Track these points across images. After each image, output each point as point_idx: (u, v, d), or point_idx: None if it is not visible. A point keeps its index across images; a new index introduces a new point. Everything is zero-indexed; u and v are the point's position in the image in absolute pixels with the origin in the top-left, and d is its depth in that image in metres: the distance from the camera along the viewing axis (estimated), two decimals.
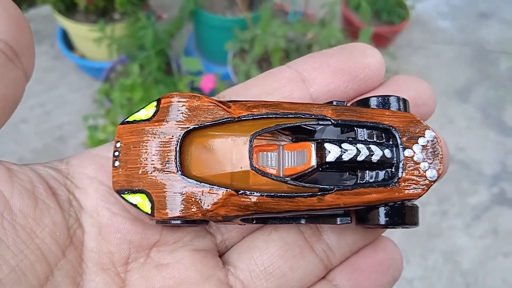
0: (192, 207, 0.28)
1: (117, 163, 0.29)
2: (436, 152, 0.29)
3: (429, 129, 0.29)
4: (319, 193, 0.27)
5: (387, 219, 0.28)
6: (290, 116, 0.29)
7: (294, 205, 0.27)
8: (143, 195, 0.28)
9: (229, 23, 1.30)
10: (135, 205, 0.28)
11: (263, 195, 0.27)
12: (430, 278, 1.18)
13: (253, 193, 0.27)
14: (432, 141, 0.29)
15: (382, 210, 0.28)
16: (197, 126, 0.29)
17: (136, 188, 0.28)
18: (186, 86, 1.04)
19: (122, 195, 0.29)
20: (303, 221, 0.31)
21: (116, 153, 0.29)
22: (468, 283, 1.18)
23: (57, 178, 0.29)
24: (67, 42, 1.50)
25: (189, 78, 1.02)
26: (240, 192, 0.28)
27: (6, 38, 0.26)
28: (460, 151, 1.44)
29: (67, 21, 1.33)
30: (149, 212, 0.28)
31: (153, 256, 0.31)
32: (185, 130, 0.29)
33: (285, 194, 0.27)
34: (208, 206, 0.27)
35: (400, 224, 0.29)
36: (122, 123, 0.30)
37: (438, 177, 0.28)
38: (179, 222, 0.29)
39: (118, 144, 0.30)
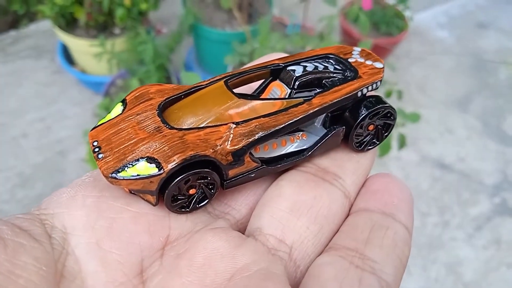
0: (199, 146, 0.28)
1: (101, 155, 0.28)
2: (370, 55, 0.35)
3: (355, 47, 0.36)
4: (306, 100, 0.31)
5: (365, 108, 0.33)
6: (249, 71, 0.33)
7: (291, 115, 0.30)
8: (143, 162, 0.27)
9: (228, 37, 1.32)
10: (137, 177, 0.27)
11: (260, 117, 0.30)
12: None
13: (251, 119, 0.30)
14: (361, 51, 0.35)
15: (361, 104, 0.33)
16: (171, 97, 0.31)
17: (133, 160, 0.27)
18: None
19: (119, 174, 0.27)
20: (306, 153, 0.32)
21: (97, 149, 0.28)
22: None
23: (26, 217, 0.27)
24: (68, 56, 1.52)
25: None
26: (239, 122, 0.29)
27: None
28: (460, 161, 1.45)
29: (68, 36, 1.35)
30: (157, 171, 0.26)
31: (169, 253, 0.28)
32: (162, 101, 0.30)
33: (280, 110, 0.31)
34: (214, 141, 0.28)
35: (377, 106, 0.33)
36: (92, 129, 0.30)
37: (383, 66, 0.34)
38: (183, 176, 0.27)
39: (96, 143, 0.29)
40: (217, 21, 1.38)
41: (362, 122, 0.33)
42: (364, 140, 0.34)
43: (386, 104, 0.33)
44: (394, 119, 0.34)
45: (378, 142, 0.34)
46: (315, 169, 0.33)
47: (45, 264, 0.25)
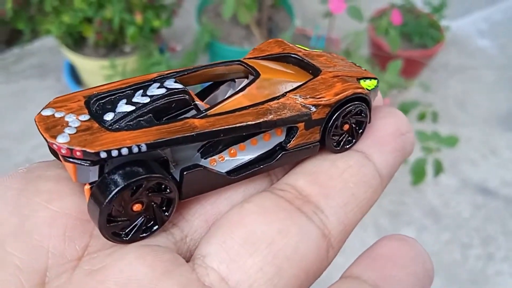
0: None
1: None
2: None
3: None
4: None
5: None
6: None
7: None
8: None
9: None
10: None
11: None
12: None
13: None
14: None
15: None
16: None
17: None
18: None
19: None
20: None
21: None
22: None
23: None
24: (74, 75, 1.60)
25: None
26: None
27: None
28: (505, 185, 1.47)
29: (76, 55, 1.43)
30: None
31: (83, 267, 0.26)
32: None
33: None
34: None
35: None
36: None
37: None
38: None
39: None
40: (235, 38, 1.45)
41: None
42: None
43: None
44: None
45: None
46: (293, 195, 0.30)
47: None
